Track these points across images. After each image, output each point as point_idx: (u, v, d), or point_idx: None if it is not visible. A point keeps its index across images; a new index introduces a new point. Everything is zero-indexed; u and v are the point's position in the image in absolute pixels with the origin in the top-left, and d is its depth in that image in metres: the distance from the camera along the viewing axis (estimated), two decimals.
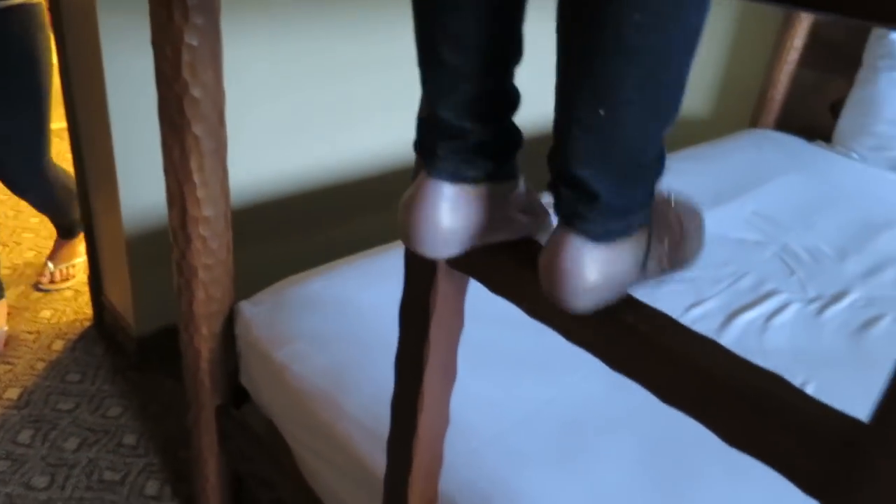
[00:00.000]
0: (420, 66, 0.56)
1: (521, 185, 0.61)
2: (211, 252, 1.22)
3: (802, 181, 2.07)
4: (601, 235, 0.51)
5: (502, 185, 0.59)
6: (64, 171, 2.06)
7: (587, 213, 0.51)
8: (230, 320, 1.30)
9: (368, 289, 1.30)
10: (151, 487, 1.61)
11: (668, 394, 0.52)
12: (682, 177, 2.01)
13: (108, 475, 1.62)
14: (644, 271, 0.56)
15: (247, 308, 1.29)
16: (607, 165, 0.49)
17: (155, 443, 1.71)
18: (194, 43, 1.08)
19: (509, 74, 0.56)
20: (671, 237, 0.60)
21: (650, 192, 0.54)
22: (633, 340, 0.53)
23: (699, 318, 1.41)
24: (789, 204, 1.94)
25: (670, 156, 2.17)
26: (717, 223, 1.77)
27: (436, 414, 0.80)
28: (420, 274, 0.70)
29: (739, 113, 2.57)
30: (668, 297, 1.45)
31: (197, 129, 1.13)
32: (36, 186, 1.99)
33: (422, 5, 0.53)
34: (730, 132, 2.43)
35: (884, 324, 1.44)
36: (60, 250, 2.24)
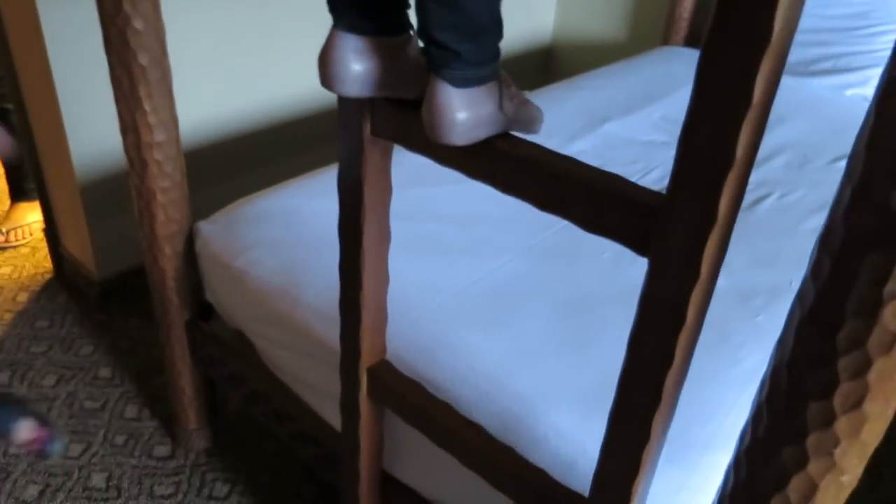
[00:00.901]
0: None
1: (414, 41, 0.77)
2: (166, 175, 1.34)
3: None
4: (461, 82, 0.68)
5: (396, 38, 0.74)
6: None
7: (450, 65, 0.67)
8: (190, 240, 1.43)
9: (312, 200, 1.44)
10: (130, 411, 1.74)
11: (540, 200, 0.68)
12: (599, 92, 2.19)
13: (88, 404, 1.75)
14: (502, 112, 0.72)
15: (204, 226, 1.42)
16: (457, 29, 0.65)
17: (129, 373, 1.84)
18: None
19: None
20: (517, 96, 0.76)
21: (495, 50, 0.70)
22: (508, 163, 0.70)
23: None
24: None
25: (590, 74, 2.35)
26: (628, 128, 1.95)
27: (376, 271, 0.95)
28: (352, 146, 0.85)
29: (652, 32, 2.74)
30: None
31: (142, 58, 1.23)
32: None
33: None
34: (643, 51, 2.61)
35: (770, 200, 1.65)
36: (13, 213, 2.30)
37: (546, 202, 0.69)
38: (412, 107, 0.77)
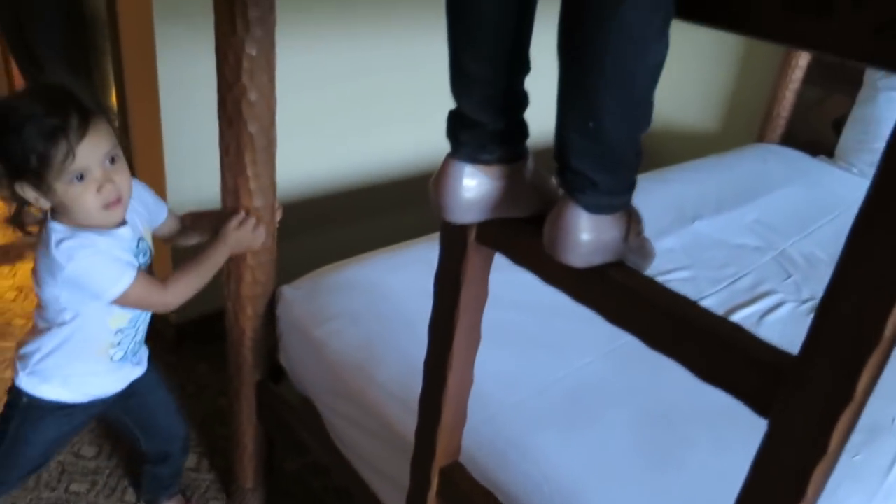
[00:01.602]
0: (449, 71, 0.71)
1: (530, 165, 0.76)
2: None
3: (804, 193, 2.19)
4: (593, 208, 0.67)
5: (513, 165, 0.73)
6: None
7: (584, 190, 0.66)
8: (272, 303, 1.44)
9: (396, 274, 1.44)
10: (190, 460, 1.74)
11: (650, 337, 0.65)
12: (690, 186, 2.15)
13: None
14: (626, 244, 0.70)
15: (288, 291, 1.43)
16: (598, 160, 0.64)
17: (192, 419, 1.85)
18: (253, 52, 1.22)
19: (518, 81, 0.71)
20: (641, 232, 0.75)
21: (632, 180, 0.68)
22: (621, 294, 0.67)
23: None
24: (790, 213, 2.05)
25: (682, 166, 2.31)
26: (720, 229, 1.90)
27: (462, 373, 0.93)
28: (453, 248, 0.84)
29: (747, 128, 2.69)
30: None
31: (252, 127, 1.27)
32: None
33: (452, 21, 0.69)
34: (737, 146, 2.56)
35: None
36: None
37: (657, 341, 0.65)
38: (521, 220, 0.76)
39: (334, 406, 1.32)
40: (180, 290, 1.21)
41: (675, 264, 1.70)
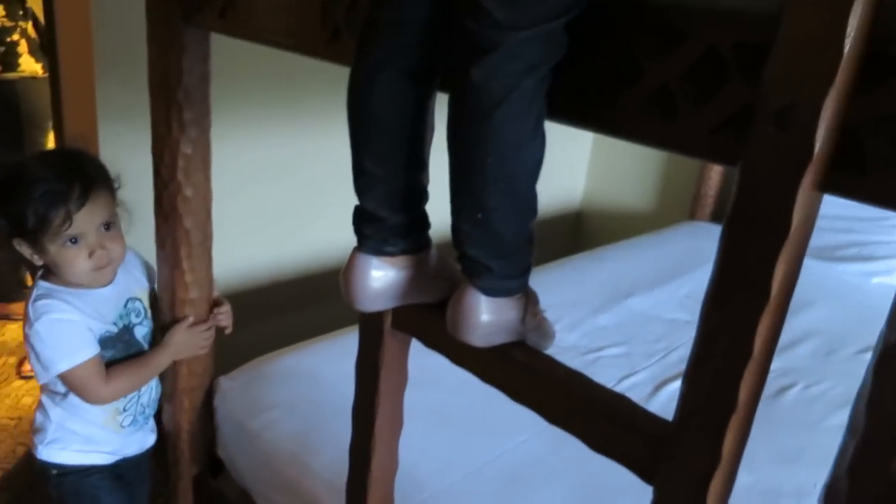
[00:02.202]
0: (352, 170, 0.77)
1: (434, 253, 0.81)
2: None
3: None
4: (490, 291, 0.71)
5: (416, 255, 0.78)
6: None
7: (481, 276, 0.71)
8: (210, 394, 1.44)
9: (331, 362, 1.46)
10: None
11: (548, 412, 0.69)
12: (625, 263, 2.24)
13: None
14: (524, 324, 0.75)
15: (225, 382, 1.44)
16: (489, 248, 0.70)
17: None
18: (188, 151, 1.28)
19: (416, 179, 0.77)
20: (539, 313, 0.80)
21: (526, 264, 0.74)
22: (521, 372, 0.71)
23: (630, 387, 1.58)
24: None
25: (617, 245, 2.41)
26: (653, 305, 1.97)
27: (386, 456, 0.95)
28: (371, 335, 0.87)
29: (679, 206, 2.82)
30: (602, 369, 1.62)
31: (187, 222, 1.31)
32: None
33: (352, 125, 0.76)
34: (670, 224, 2.68)
35: (795, 391, 1.62)
36: None
37: (554, 416, 0.69)
38: (433, 306, 0.80)
39: (271, 498, 1.31)
40: (117, 388, 1.21)
41: (609, 341, 1.75)
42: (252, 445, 1.33)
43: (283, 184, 2.12)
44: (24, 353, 2.37)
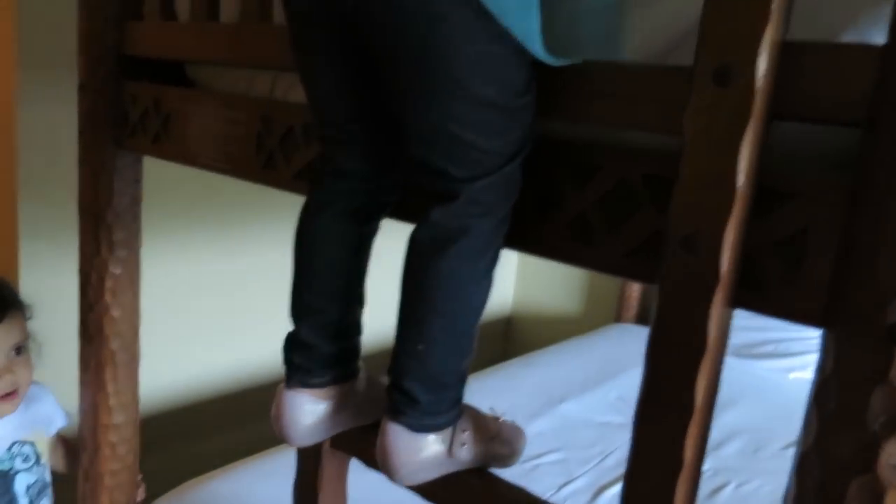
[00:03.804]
0: (290, 297, 0.79)
1: (362, 378, 0.82)
2: (119, 458, 1.31)
3: None
4: (417, 427, 0.72)
5: (343, 385, 0.80)
6: None
7: (408, 411, 0.71)
8: None
9: (263, 483, 1.41)
10: None
11: None
12: (555, 368, 2.28)
13: None
14: (452, 457, 0.75)
15: None
16: (424, 381, 0.71)
17: None
18: (117, 272, 1.27)
19: (352, 313, 0.80)
20: (483, 433, 0.79)
21: (455, 401, 0.75)
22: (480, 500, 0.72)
23: (570, 494, 1.58)
24: None
25: (547, 350, 2.45)
26: (585, 409, 2.00)
27: None
28: (308, 457, 0.86)
29: (604, 310, 2.92)
30: (541, 477, 1.62)
31: (114, 344, 1.28)
32: None
33: (296, 258, 0.78)
34: (597, 327, 2.76)
35: (728, 490, 1.66)
36: None
37: None
38: (371, 425, 0.80)
39: None
40: None
41: (545, 447, 1.76)
42: None
43: (212, 301, 2.09)
44: None
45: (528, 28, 0.61)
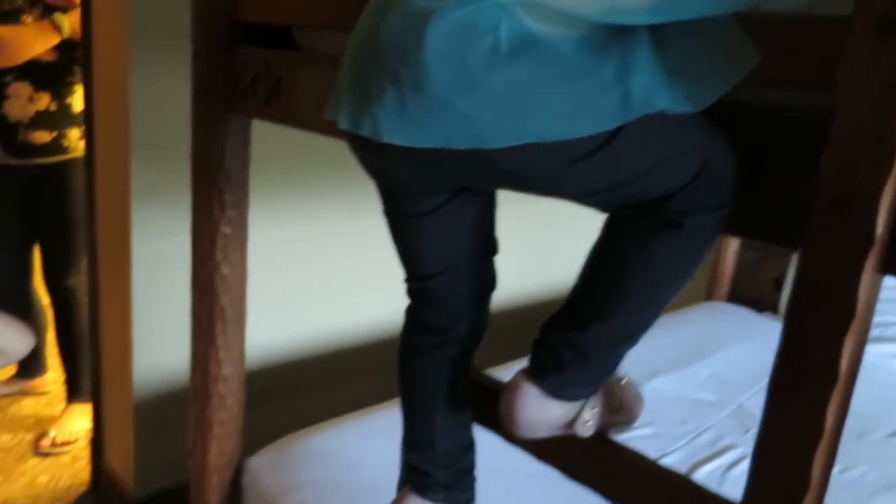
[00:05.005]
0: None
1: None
2: (226, 408, 1.38)
3: (753, 348, 2.29)
4: (553, 392, 0.72)
5: None
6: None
7: (550, 376, 0.71)
8: (238, 473, 1.43)
9: (361, 441, 1.45)
10: None
11: (612, 493, 0.69)
12: (646, 344, 2.23)
13: None
14: (576, 425, 0.74)
15: (254, 462, 1.43)
16: (581, 356, 0.69)
17: None
18: (228, 231, 1.31)
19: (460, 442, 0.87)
20: (609, 405, 0.79)
21: (598, 382, 0.74)
22: (587, 456, 0.72)
23: None
24: (742, 368, 2.13)
25: None
26: (677, 385, 1.96)
27: None
28: None
29: (695, 287, 2.84)
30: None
31: (224, 300, 1.33)
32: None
33: (401, 392, 0.89)
34: (688, 304, 2.69)
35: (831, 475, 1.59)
36: (66, 417, 2.35)
37: (625, 498, 0.69)
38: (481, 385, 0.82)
39: None
40: None
41: (638, 422, 1.73)
42: None
43: (313, 265, 2.15)
44: (43, 428, 2.36)
45: (674, 97, 0.59)
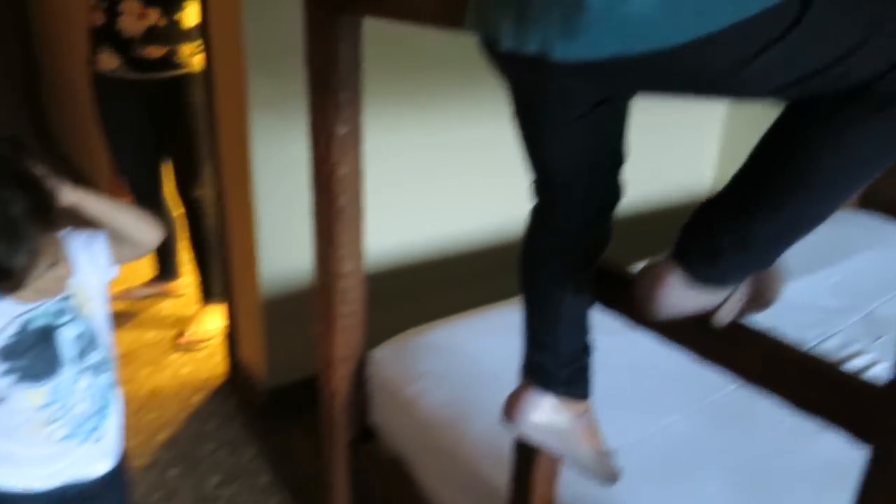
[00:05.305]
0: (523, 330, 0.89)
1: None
2: (348, 303, 1.44)
3: (885, 256, 2.15)
4: (701, 278, 0.69)
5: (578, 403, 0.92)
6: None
7: (700, 262, 0.67)
8: (362, 364, 1.51)
9: (480, 337, 1.49)
10: None
11: (751, 375, 0.68)
12: None
13: None
14: (713, 317, 0.72)
15: (378, 353, 1.50)
16: (738, 248, 0.65)
17: (286, 483, 1.91)
18: (343, 131, 1.34)
19: (580, 342, 0.90)
20: (753, 291, 0.76)
21: (746, 276, 0.71)
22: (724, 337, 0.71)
23: None
24: (873, 276, 2.01)
25: None
26: (803, 291, 1.88)
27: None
28: None
29: None
30: None
31: (342, 200, 1.37)
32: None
33: (523, 296, 0.90)
34: None
35: None
36: (200, 316, 2.55)
37: (758, 377, 0.68)
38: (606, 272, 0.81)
39: (426, 463, 1.35)
40: None
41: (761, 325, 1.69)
42: (406, 412, 1.38)
43: (431, 163, 2.18)
44: (182, 326, 2.58)
45: None
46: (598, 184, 0.81)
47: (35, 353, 1.08)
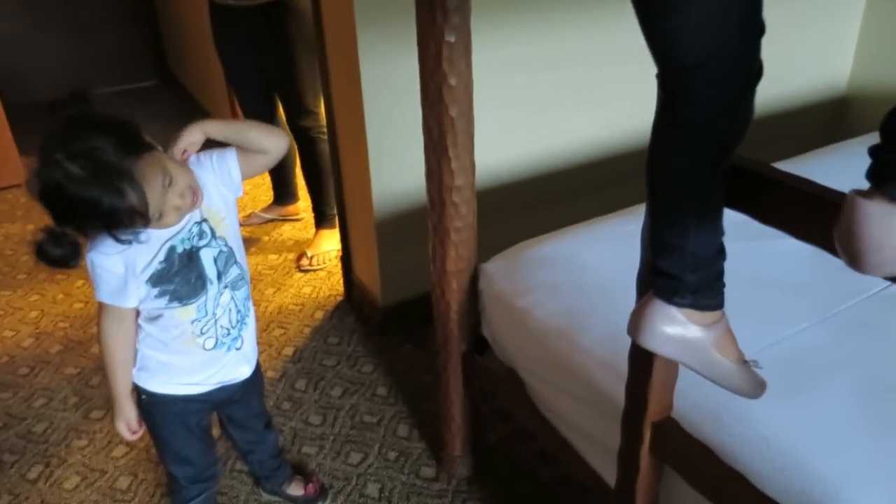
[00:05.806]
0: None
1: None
2: (461, 216, 1.44)
3: None
4: None
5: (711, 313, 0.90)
6: None
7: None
8: (474, 278, 1.52)
9: (591, 247, 1.47)
10: (402, 430, 1.88)
11: None
12: None
13: (366, 418, 1.93)
14: None
15: (489, 266, 1.51)
16: None
17: (402, 394, 2.00)
18: (452, 39, 1.31)
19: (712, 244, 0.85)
20: None
21: None
22: None
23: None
24: None
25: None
26: None
27: None
28: None
29: None
30: None
31: (453, 111, 1.36)
32: None
33: (650, 195, 0.84)
34: None
35: None
36: (317, 240, 2.65)
37: None
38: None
39: (539, 373, 1.37)
40: (105, 350, 1.23)
41: None
42: (519, 323, 1.39)
43: (537, 78, 2.12)
44: (301, 249, 2.69)
45: None
46: (731, 60, 0.72)
47: (183, 275, 1.18)
